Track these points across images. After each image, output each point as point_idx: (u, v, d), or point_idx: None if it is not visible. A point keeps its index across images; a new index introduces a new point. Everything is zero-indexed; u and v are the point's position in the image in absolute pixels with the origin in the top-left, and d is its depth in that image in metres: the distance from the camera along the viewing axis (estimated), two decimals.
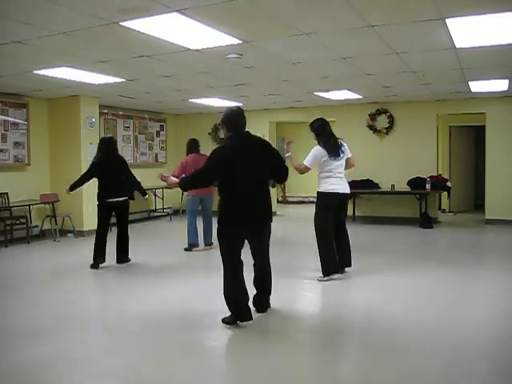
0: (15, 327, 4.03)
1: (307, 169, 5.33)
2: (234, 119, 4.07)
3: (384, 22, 4.47)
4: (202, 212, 7.43)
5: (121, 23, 4.36)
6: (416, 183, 9.55)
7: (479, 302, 4.60)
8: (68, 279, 5.76)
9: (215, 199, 5.70)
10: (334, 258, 5.38)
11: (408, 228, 9.18)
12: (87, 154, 8.84)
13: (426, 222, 9.33)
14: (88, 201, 8.73)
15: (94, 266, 6.19)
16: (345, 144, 5.52)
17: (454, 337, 3.66)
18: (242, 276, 4.04)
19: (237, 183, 3.91)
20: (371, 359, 3.33)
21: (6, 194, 8.06)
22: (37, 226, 8.67)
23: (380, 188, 10.04)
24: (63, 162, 8.93)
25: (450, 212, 11.44)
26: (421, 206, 9.47)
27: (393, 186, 9.70)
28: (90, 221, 8.91)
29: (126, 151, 10.39)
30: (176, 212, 11.92)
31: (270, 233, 4.21)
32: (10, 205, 7.98)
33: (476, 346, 3.50)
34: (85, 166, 8.72)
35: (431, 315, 4.19)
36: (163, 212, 11.44)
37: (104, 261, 6.30)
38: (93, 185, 6.51)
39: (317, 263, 5.43)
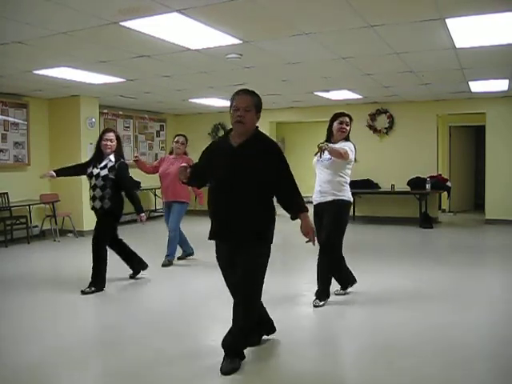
0: (15, 328, 4.03)
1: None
2: None
3: (384, 22, 4.48)
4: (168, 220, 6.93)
5: (121, 23, 4.37)
6: (416, 183, 9.55)
7: (479, 302, 4.59)
8: (68, 279, 5.76)
9: None
10: None
11: (408, 228, 9.18)
12: (87, 154, 8.84)
13: (426, 221, 9.33)
14: (88, 201, 8.71)
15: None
16: None
17: (453, 337, 3.66)
18: None
19: None
20: (371, 359, 3.33)
21: (6, 193, 8.06)
22: (37, 226, 8.66)
23: (380, 188, 10.05)
24: (63, 162, 8.85)
25: (450, 212, 11.44)
26: (421, 206, 9.47)
27: (393, 185, 9.70)
28: (90, 221, 8.92)
29: (126, 151, 10.34)
30: None
31: None
32: (10, 205, 7.98)
33: (476, 346, 3.51)
34: None
35: (430, 315, 4.19)
36: (163, 212, 11.41)
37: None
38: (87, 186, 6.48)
39: None
